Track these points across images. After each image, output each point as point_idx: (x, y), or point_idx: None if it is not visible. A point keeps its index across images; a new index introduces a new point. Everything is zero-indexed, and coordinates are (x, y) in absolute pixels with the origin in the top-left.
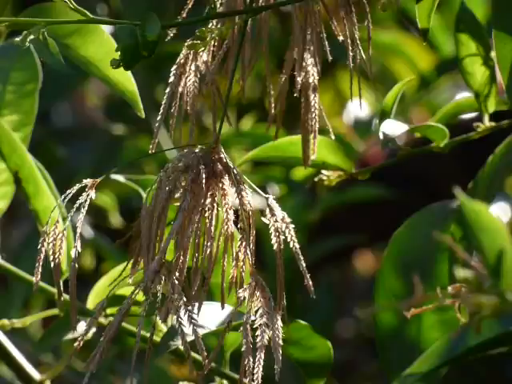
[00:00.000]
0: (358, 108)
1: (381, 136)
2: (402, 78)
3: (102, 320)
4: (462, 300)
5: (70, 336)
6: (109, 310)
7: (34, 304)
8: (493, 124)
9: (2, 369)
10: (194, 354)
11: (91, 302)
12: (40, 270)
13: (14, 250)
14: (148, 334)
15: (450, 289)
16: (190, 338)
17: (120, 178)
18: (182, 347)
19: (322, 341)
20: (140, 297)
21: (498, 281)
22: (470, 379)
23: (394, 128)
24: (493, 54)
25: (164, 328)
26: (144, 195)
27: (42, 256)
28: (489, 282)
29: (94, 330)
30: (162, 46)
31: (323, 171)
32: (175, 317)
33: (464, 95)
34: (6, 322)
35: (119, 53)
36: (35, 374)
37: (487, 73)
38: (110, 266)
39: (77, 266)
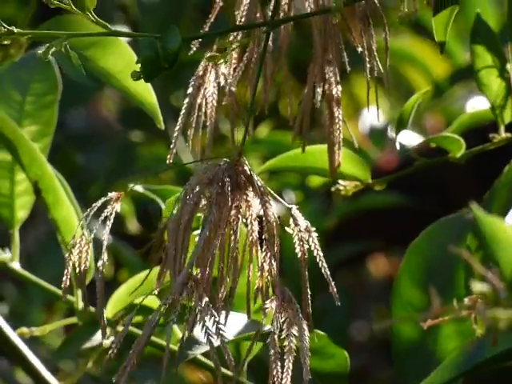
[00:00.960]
0: (373, 116)
1: (398, 147)
2: (415, 85)
3: (119, 328)
4: (478, 313)
5: (88, 345)
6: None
7: (56, 307)
8: (509, 135)
9: (20, 375)
10: (209, 362)
11: (109, 311)
12: (67, 281)
13: (31, 255)
14: (163, 342)
15: (466, 300)
16: (206, 348)
17: (139, 188)
18: (198, 356)
19: (339, 350)
20: (155, 305)
21: None
22: None
23: (410, 138)
24: (508, 66)
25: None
26: (163, 206)
27: (70, 269)
28: (505, 295)
29: (112, 338)
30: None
31: (340, 181)
32: (197, 326)
33: (478, 103)
34: (25, 330)
35: (139, 65)
36: (54, 382)
37: (503, 84)
38: (128, 272)
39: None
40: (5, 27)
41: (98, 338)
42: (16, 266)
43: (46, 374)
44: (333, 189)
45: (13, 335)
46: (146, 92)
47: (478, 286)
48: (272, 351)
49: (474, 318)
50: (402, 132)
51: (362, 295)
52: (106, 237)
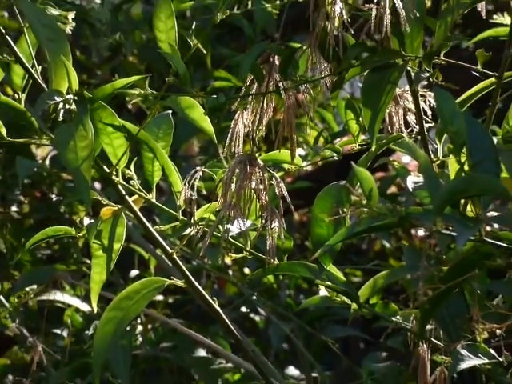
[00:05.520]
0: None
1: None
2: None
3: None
4: (353, 211)
5: (184, 233)
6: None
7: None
8: (359, 147)
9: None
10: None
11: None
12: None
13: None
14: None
15: (346, 210)
16: (236, 232)
17: (205, 169)
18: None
19: (289, 236)
20: (212, 217)
21: (370, 201)
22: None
23: (318, 149)
24: (361, 118)
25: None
26: (215, 176)
27: (182, 200)
28: (366, 202)
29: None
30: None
31: (286, 166)
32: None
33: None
34: (157, 227)
35: (207, 109)
36: (169, 249)
37: (356, 125)
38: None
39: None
40: (148, 91)
41: (187, 231)
42: (154, 200)
43: (164, 244)
44: (286, 167)
45: (152, 229)
46: (208, 125)
47: (353, 199)
48: (269, 238)
49: (349, 218)
50: (317, 146)
51: (291, 229)
52: (196, 186)
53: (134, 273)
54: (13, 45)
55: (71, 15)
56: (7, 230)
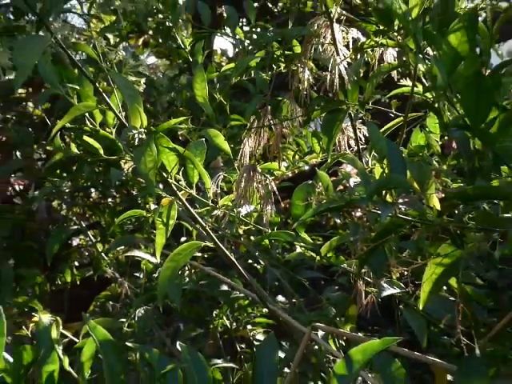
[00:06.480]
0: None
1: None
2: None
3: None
4: (317, 198)
5: (211, 213)
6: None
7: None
8: (321, 160)
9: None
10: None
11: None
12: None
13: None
14: (234, 215)
15: (312, 198)
16: (244, 213)
17: (225, 175)
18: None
19: (277, 215)
20: (230, 204)
21: (327, 192)
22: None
23: (296, 162)
24: (321, 143)
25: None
26: (232, 179)
27: (211, 191)
28: (325, 193)
29: (219, 212)
30: (237, 145)
31: (275, 172)
32: (244, 208)
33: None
34: (196, 210)
35: (226, 138)
36: (204, 224)
37: (318, 147)
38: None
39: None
40: (190, 126)
41: (215, 212)
42: (194, 194)
43: (203, 222)
44: (275, 173)
45: (193, 211)
46: (226, 146)
47: (317, 191)
48: (265, 213)
49: (315, 202)
50: (294, 160)
51: (279, 211)
52: (219, 184)
53: (183, 239)
54: (107, 99)
55: (143, 81)
56: (106, 213)
